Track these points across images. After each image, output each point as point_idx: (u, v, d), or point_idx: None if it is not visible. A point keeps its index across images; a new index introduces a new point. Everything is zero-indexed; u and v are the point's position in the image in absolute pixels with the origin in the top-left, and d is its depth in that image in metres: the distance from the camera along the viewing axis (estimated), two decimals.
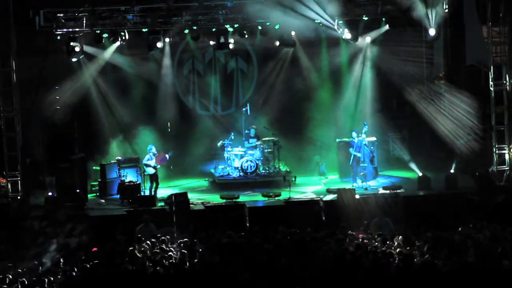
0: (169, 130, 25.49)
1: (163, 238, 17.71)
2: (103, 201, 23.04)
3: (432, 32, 23.00)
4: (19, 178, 22.35)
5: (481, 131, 23.95)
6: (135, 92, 25.64)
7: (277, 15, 22.92)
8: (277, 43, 25.09)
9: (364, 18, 23.54)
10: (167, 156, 23.60)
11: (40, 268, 15.10)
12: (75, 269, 14.94)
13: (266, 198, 22.39)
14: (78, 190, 22.21)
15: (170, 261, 15.62)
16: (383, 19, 23.72)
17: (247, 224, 20.47)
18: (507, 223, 17.64)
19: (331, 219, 20.20)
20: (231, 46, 24.10)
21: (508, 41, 22.93)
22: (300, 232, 17.67)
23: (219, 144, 24.88)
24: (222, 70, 26.79)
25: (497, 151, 23.08)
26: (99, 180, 23.87)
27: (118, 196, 22.90)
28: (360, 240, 16.89)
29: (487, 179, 22.39)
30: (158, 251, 16.50)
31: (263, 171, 24.53)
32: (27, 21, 22.80)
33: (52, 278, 14.22)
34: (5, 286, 14.30)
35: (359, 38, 23.97)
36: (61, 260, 15.59)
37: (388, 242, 16.64)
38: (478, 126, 23.98)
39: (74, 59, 23.41)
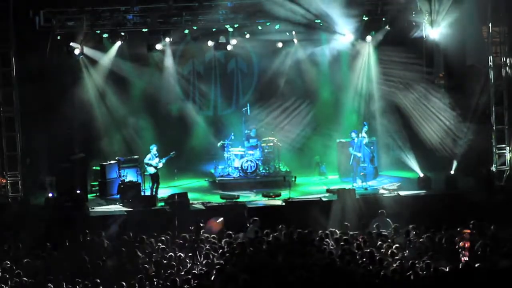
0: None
1: (162, 238, 17.72)
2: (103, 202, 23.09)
3: (432, 33, 23.00)
4: (19, 178, 22.34)
5: (480, 131, 23.91)
6: (135, 92, 25.60)
7: (277, 15, 22.91)
8: (278, 44, 25.08)
9: (364, 18, 23.54)
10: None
11: None
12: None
13: (266, 198, 22.39)
14: (78, 190, 22.20)
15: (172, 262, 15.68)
16: (384, 19, 23.73)
17: (247, 224, 20.45)
18: (507, 223, 17.66)
19: (331, 219, 20.19)
20: (231, 46, 24.12)
21: (508, 41, 22.93)
22: (300, 232, 17.69)
23: (219, 144, 24.88)
24: (222, 70, 26.78)
25: (497, 151, 23.07)
26: (99, 180, 23.88)
27: (118, 196, 22.90)
28: (360, 240, 16.91)
29: (488, 179, 22.40)
30: (158, 251, 16.56)
31: (263, 171, 24.52)
32: (27, 21, 22.78)
33: None
34: None
35: (359, 38, 23.97)
36: None
37: (388, 243, 16.66)
38: (477, 126, 23.96)
39: (74, 59, 23.39)
